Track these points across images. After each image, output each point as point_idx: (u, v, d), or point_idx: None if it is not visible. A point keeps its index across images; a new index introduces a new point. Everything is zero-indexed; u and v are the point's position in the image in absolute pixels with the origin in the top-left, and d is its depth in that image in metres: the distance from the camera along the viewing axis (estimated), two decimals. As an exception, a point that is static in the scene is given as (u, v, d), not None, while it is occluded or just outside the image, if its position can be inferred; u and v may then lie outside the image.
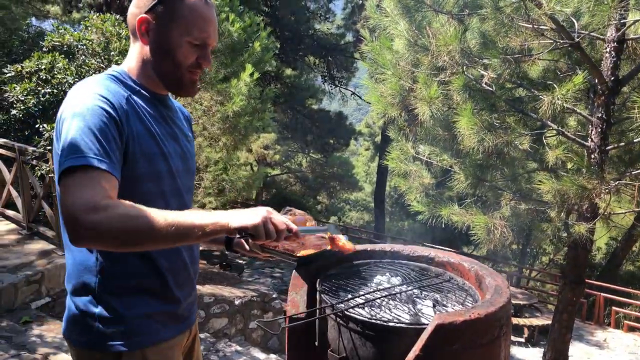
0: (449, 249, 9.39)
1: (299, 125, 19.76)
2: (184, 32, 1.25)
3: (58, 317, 4.35)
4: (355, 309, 1.46)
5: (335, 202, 25.43)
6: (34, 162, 5.56)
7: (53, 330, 4.03)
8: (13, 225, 5.95)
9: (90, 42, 6.76)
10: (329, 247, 1.46)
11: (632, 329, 10.82)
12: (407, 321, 1.41)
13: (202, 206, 8.37)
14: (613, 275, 13.68)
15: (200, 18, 1.26)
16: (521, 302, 9.88)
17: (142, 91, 1.30)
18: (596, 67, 4.50)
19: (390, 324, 1.38)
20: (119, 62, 6.02)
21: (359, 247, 1.94)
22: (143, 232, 1.06)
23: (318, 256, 1.44)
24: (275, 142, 18.71)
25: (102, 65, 6.51)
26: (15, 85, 6.49)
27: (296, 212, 1.50)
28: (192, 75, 1.31)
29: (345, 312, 1.43)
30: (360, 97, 22.01)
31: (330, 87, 21.15)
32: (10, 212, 6.13)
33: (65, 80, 6.41)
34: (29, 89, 6.42)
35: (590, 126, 4.77)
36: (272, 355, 5.65)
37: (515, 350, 9.09)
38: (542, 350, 6.35)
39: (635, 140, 4.87)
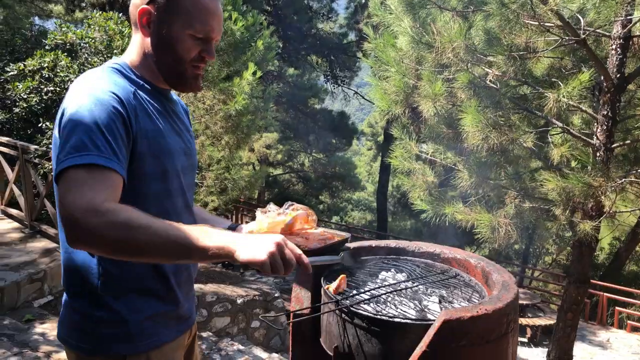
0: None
1: (301, 124, 19.75)
2: (186, 25, 1.20)
3: (60, 315, 4.34)
4: (361, 304, 1.44)
5: (338, 201, 25.38)
6: (37, 160, 5.57)
7: (55, 328, 4.02)
8: (16, 224, 5.96)
9: (93, 41, 6.76)
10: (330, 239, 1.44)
11: (635, 329, 10.77)
12: (413, 317, 1.39)
13: (205, 205, 8.36)
14: (616, 275, 13.63)
15: (204, 10, 1.20)
16: (524, 302, 9.85)
17: (145, 85, 1.25)
18: (602, 64, 4.47)
19: (396, 319, 1.36)
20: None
21: (365, 243, 1.92)
22: (140, 244, 0.98)
23: (324, 251, 1.41)
24: (277, 141, 18.69)
25: (104, 63, 6.51)
26: (18, 84, 6.49)
27: (298, 207, 1.48)
28: (195, 70, 1.26)
29: (351, 308, 1.41)
30: (362, 97, 21.99)
31: (333, 86, 21.14)
32: (13, 211, 6.14)
33: (68, 78, 6.41)
34: (31, 87, 6.43)
35: (595, 124, 4.74)
36: (275, 354, 5.63)
37: (518, 350, 9.04)
38: (545, 350, 6.32)
39: (640, 138, 4.84)
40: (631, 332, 10.70)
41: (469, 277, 1.72)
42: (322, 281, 1.60)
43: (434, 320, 1.28)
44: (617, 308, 11.07)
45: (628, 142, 5.00)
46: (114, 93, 1.13)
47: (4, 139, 6.05)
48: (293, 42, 18.64)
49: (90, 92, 1.12)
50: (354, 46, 19.87)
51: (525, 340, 9.55)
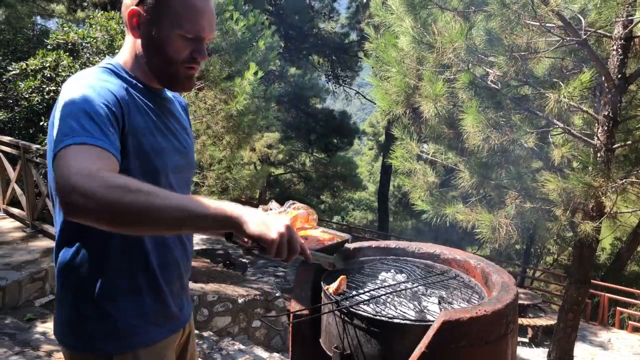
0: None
1: (303, 124, 19.74)
2: (175, 25, 1.18)
3: (62, 315, 4.34)
4: (360, 305, 1.45)
5: (339, 201, 25.37)
6: (38, 159, 5.57)
7: (57, 327, 4.02)
8: (17, 223, 5.96)
9: (95, 40, 6.78)
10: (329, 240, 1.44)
11: (636, 330, 10.75)
12: (412, 318, 1.40)
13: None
14: (617, 275, 13.62)
15: (193, 10, 1.18)
16: (525, 302, 9.84)
17: (138, 84, 1.25)
18: (603, 64, 4.46)
19: (396, 320, 1.36)
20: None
21: (365, 243, 1.92)
22: (140, 208, 0.93)
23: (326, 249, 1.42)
24: (278, 141, 18.70)
25: (106, 63, 6.52)
26: (20, 83, 6.50)
27: (299, 206, 1.49)
28: (188, 70, 1.24)
29: (350, 308, 1.41)
30: (364, 97, 21.98)
31: (334, 86, 21.15)
32: (14, 210, 6.14)
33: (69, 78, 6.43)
34: (33, 87, 6.44)
35: (596, 124, 4.73)
36: (275, 354, 5.64)
37: (518, 351, 9.05)
38: (546, 350, 6.31)
39: (641, 139, 4.84)
40: (632, 332, 10.69)
41: (468, 278, 1.72)
42: (322, 282, 1.60)
43: (433, 321, 1.29)
44: (618, 308, 11.05)
45: (629, 142, 4.99)
46: (107, 88, 1.14)
47: (6, 139, 6.06)
48: (294, 41, 18.65)
49: (85, 84, 1.12)
50: (355, 46, 19.86)
51: (526, 340, 9.55)
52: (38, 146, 5.60)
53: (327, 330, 1.54)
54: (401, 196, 23.42)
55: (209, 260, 8.84)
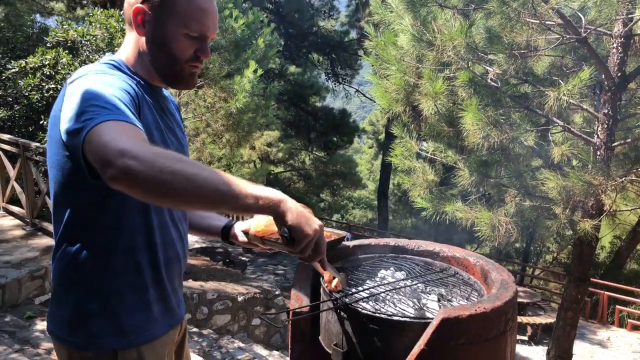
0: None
1: (303, 122, 19.74)
2: (180, 25, 1.18)
3: (61, 312, 4.35)
4: (360, 303, 1.45)
5: (339, 199, 25.38)
6: (38, 157, 5.57)
7: (56, 325, 4.03)
8: (17, 221, 5.97)
9: (94, 38, 6.76)
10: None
11: (635, 328, 10.77)
12: (411, 315, 1.40)
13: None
14: (617, 273, 13.64)
15: (198, 9, 1.19)
16: (524, 301, 9.85)
17: (141, 82, 1.25)
18: (603, 62, 4.47)
19: (395, 318, 1.36)
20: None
21: (364, 241, 1.92)
22: (189, 175, 0.92)
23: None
24: (278, 139, 18.70)
25: (105, 61, 6.52)
26: (20, 81, 6.49)
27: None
28: (191, 68, 1.25)
29: (349, 306, 1.41)
30: (364, 95, 21.98)
31: (334, 84, 21.13)
32: (14, 208, 6.14)
33: (69, 75, 6.42)
34: (33, 85, 6.43)
35: (596, 122, 4.73)
36: (275, 352, 5.65)
37: (518, 349, 9.06)
38: (545, 348, 6.33)
39: (641, 137, 4.83)
40: (631, 330, 10.71)
41: (467, 276, 1.72)
42: (321, 279, 1.60)
43: (432, 319, 1.29)
44: (617, 307, 11.07)
45: (629, 140, 4.99)
46: (124, 79, 1.15)
47: (5, 137, 6.06)
48: (294, 39, 18.63)
49: (102, 74, 1.12)
50: (355, 44, 19.84)
51: (526, 338, 9.57)
52: (38, 144, 5.60)
53: (326, 328, 1.54)
54: (401, 194, 23.43)
55: (208, 259, 8.85)
